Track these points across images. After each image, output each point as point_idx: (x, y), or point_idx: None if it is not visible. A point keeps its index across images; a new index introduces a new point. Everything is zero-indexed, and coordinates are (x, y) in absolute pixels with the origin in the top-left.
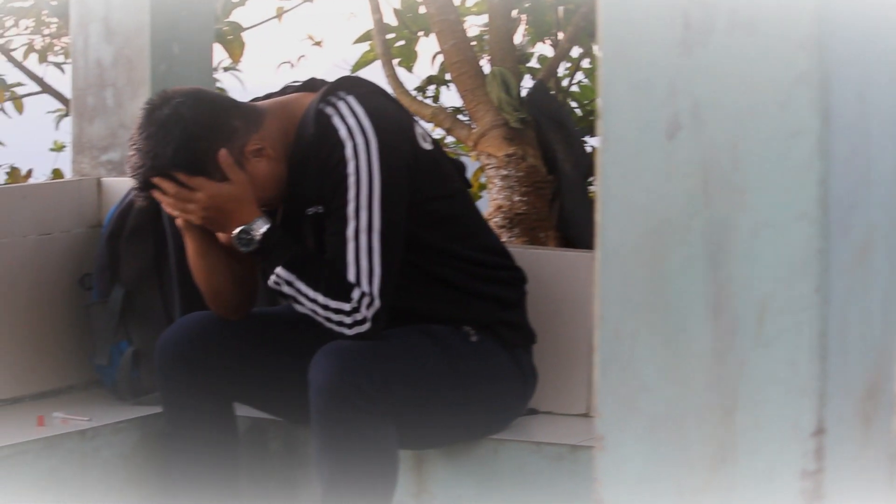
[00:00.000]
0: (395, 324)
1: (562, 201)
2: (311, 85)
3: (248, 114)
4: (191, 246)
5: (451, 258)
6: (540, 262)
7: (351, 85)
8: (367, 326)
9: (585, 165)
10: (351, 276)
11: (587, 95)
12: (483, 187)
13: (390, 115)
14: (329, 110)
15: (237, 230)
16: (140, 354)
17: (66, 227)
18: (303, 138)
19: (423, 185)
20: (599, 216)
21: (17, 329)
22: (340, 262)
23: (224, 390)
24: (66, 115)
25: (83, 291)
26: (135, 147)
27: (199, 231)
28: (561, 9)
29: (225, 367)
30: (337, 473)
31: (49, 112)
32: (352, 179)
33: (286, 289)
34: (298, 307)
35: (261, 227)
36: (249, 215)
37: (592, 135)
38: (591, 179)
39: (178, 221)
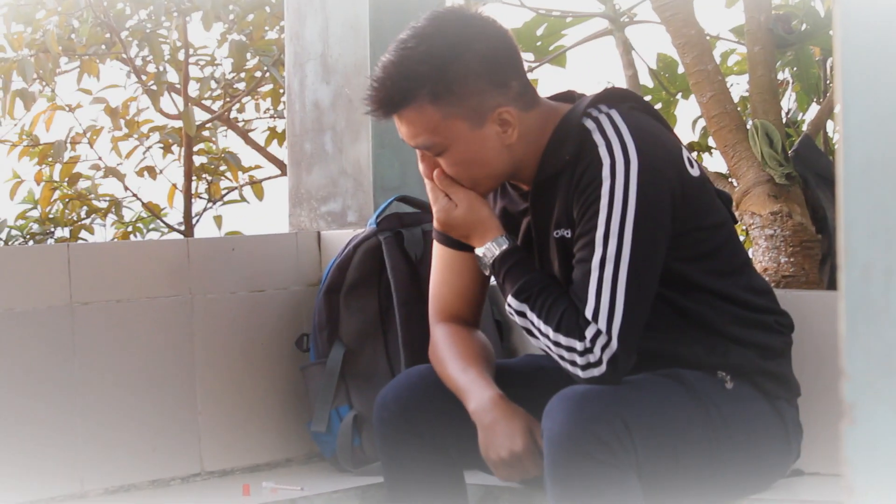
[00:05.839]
0: (641, 368)
1: (832, 263)
2: (569, 97)
3: (528, 90)
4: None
5: (711, 296)
6: (803, 304)
7: (616, 98)
8: (602, 370)
9: None
10: (588, 312)
11: None
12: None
13: (657, 135)
14: (590, 124)
15: (477, 250)
16: (362, 420)
17: (281, 285)
18: (557, 151)
19: (688, 214)
20: (842, 126)
21: (226, 395)
22: (580, 294)
23: (452, 452)
24: None
25: (300, 354)
26: (387, 58)
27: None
28: (830, 60)
29: (453, 426)
30: None
31: None
32: (605, 201)
33: (518, 319)
34: (534, 340)
35: (495, 251)
36: (484, 238)
37: None
38: None
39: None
